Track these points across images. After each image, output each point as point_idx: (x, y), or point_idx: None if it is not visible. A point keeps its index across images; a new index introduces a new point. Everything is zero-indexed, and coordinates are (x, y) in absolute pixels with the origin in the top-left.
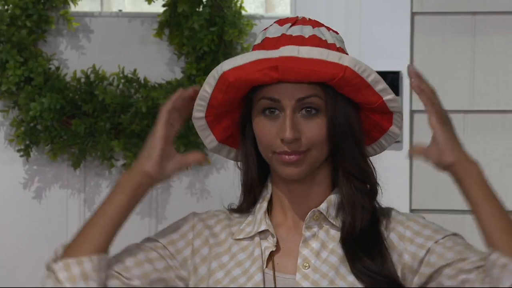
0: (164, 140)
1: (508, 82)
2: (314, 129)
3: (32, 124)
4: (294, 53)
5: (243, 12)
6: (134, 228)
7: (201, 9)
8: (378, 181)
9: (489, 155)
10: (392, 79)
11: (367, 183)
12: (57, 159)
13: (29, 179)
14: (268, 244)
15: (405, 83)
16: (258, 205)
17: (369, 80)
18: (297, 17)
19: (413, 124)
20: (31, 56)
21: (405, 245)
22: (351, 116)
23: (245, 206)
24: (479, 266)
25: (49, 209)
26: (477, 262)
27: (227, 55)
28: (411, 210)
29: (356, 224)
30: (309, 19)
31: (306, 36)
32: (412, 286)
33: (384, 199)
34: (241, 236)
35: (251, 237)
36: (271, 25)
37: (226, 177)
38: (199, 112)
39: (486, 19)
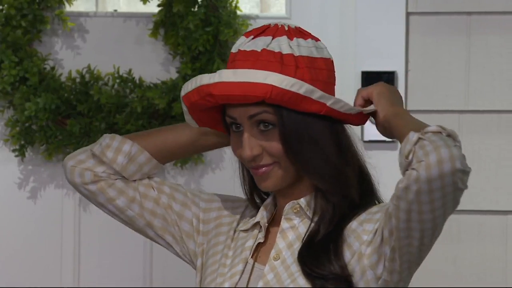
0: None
1: (503, 82)
2: (272, 143)
3: (27, 124)
4: (228, 78)
5: (238, 12)
6: (128, 229)
7: (196, 9)
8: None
9: (484, 155)
10: (387, 79)
11: (335, 190)
12: (52, 159)
13: (24, 179)
14: (260, 236)
15: (401, 83)
16: (268, 200)
17: (301, 92)
18: (277, 24)
19: None
20: (26, 56)
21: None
22: (305, 125)
23: (256, 204)
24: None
25: (44, 209)
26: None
27: (222, 55)
28: None
29: (319, 233)
30: (288, 26)
31: (259, 50)
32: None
33: (382, 190)
34: (244, 228)
35: (251, 228)
36: (244, 35)
37: (221, 177)
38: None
39: (481, 19)
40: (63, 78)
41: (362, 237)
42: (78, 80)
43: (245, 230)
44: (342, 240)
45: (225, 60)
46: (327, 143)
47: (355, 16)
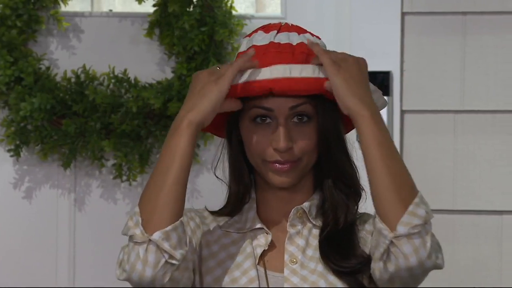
0: (224, 97)
1: (498, 82)
2: (306, 137)
3: (22, 124)
4: (286, 74)
5: (234, 12)
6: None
7: (191, 9)
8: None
9: (479, 155)
10: (382, 79)
11: (351, 186)
12: (47, 159)
13: (19, 179)
14: (260, 243)
15: (396, 83)
16: (246, 206)
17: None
18: (280, 23)
19: (404, 124)
20: (21, 56)
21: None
22: (338, 121)
23: (229, 211)
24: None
25: (39, 209)
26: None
27: (218, 55)
28: None
29: (339, 223)
30: (291, 24)
31: (294, 44)
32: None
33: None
34: (231, 230)
35: (243, 233)
36: (255, 32)
37: (215, 177)
38: None
39: (477, 19)
40: (58, 78)
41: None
42: (73, 80)
43: (233, 233)
44: (356, 233)
45: (221, 60)
46: (344, 136)
47: (350, 16)
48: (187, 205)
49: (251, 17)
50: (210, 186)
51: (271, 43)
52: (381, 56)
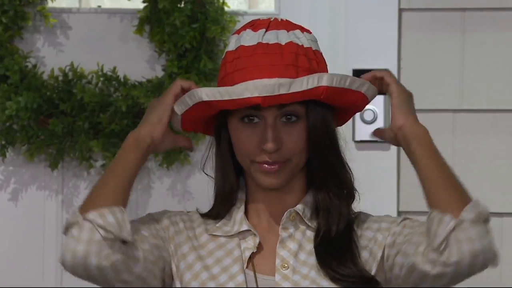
0: (171, 111)
1: (499, 81)
2: (294, 137)
3: (8, 124)
4: (274, 92)
5: (226, 8)
6: None
7: (182, 5)
8: (357, 186)
9: (479, 156)
10: None
11: (344, 189)
12: (34, 160)
13: (5, 180)
14: (248, 246)
15: None
16: (234, 207)
17: (346, 85)
18: (269, 18)
19: None
20: (7, 54)
21: (383, 235)
22: (329, 121)
23: (216, 213)
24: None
25: (25, 211)
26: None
27: (209, 52)
28: (399, 212)
29: (331, 229)
30: (281, 19)
31: (283, 43)
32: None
33: (372, 200)
34: (218, 233)
35: (230, 236)
36: (244, 30)
37: (208, 178)
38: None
39: (476, 16)
40: (45, 76)
41: (377, 239)
42: (60, 78)
43: (221, 236)
44: (355, 242)
45: (212, 57)
46: (336, 134)
47: (345, 12)
48: (178, 208)
49: (243, 14)
50: (202, 187)
51: (259, 44)
52: (378, 54)
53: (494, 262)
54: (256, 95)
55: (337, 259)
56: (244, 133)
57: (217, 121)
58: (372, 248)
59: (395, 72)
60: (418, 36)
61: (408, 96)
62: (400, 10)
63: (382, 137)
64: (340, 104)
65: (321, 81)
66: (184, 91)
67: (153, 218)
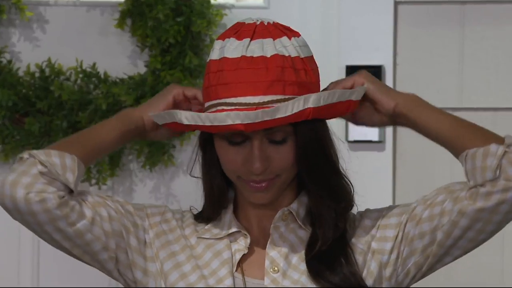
0: (173, 100)
1: (499, 78)
2: (282, 156)
3: None
4: (257, 119)
5: (212, 1)
6: None
7: None
8: (356, 194)
9: None
10: (374, 74)
11: (341, 201)
12: (9, 161)
13: None
14: (239, 247)
15: (388, 78)
16: (224, 209)
17: (335, 100)
18: (255, 22)
19: None
20: None
21: (373, 234)
22: (321, 133)
23: (207, 216)
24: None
25: (1, 212)
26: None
27: (195, 48)
28: None
29: (326, 243)
30: (267, 22)
31: (268, 56)
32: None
33: (367, 199)
34: (207, 236)
35: (219, 239)
36: (228, 37)
37: (193, 180)
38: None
39: (476, 9)
40: (20, 73)
41: (376, 244)
42: (37, 74)
43: (210, 239)
44: (350, 247)
45: (198, 53)
46: (332, 149)
47: (338, 5)
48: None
49: (231, 7)
50: (187, 190)
51: (243, 57)
52: (372, 49)
53: None
54: (238, 122)
55: (330, 269)
56: (230, 153)
57: (202, 134)
58: (368, 245)
59: (390, 69)
60: (415, 30)
61: (379, 82)
62: (396, 3)
63: (372, 124)
64: (330, 116)
65: (307, 103)
66: (186, 98)
67: (142, 208)
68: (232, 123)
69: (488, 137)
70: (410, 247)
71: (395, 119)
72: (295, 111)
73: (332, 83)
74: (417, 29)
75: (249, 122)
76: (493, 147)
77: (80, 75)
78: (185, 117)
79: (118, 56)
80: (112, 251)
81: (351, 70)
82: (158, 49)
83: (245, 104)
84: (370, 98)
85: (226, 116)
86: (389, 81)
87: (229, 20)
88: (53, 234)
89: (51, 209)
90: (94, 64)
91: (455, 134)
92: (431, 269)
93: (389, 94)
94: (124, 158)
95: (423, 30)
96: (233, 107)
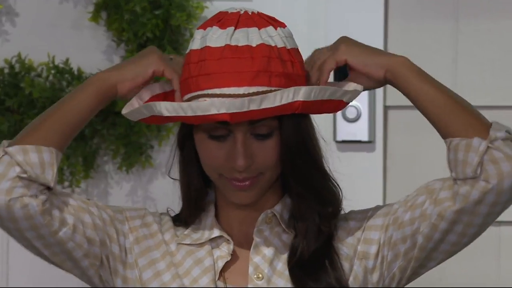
0: (152, 76)
1: (495, 74)
2: (266, 152)
3: None
4: (243, 108)
5: None
6: None
7: None
8: (344, 197)
9: None
10: None
11: (326, 205)
12: None
13: None
14: (222, 253)
15: None
16: (204, 212)
17: (326, 97)
18: (239, 12)
19: (387, 121)
20: None
21: (355, 236)
22: (307, 131)
23: (185, 219)
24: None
25: None
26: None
27: (174, 43)
28: None
29: (309, 249)
30: (252, 12)
31: (254, 45)
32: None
33: (357, 202)
34: (187, 242)
35: (200, 244)
36: (210, 26)
37: (172, 183)
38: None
39: (470, 2)
40: None
41: (361, 247)
42: (6, 70)
43: (190, 245)
44: (335, 252)
45: (177, 48)
46: (317, 148)
47: None
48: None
49: None
50: (166, 192)
51: (227, 46)
52: None
53: None
54: (224, 111)
55: (314, 276)
56: (211, 148)
57: (180, 129)
58: (355, 249)
59: None
60: (406, 24)
61: (362, 52)
62: None
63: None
64: (318, 112)
65: (297, 95)
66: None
67: (121, 210)
68: (216, 112)
69: (474, 126)
70: (393, 251)
71: (386, 83)
72: (283, 102)
73: (316, 50)
74: (409, 23)
75: (235, 111)
76: (475, 141)
77: (52, 71)
78: (165, 108)
79: (92, 51)
80: (94, 259)
81: (339, 68)
82: (135, 44)
83: (229, 95)
84: (357, 70)
85: (210, 105)
86: None
87: (210, 13)
88: (33, 241)
89: (33, 216)
90: (67, 59)
91: (441, 116)
92: (416, 273)
93: (377, 62)
94: (99, 159)
95: (415, 25)
96: (216, 99)
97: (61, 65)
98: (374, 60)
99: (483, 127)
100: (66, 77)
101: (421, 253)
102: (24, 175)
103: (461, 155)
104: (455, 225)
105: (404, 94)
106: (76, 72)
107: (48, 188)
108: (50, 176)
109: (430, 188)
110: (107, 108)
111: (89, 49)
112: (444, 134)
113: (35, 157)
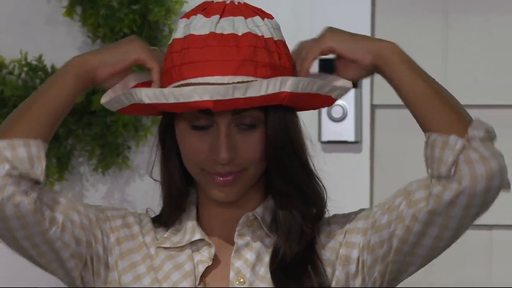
0: (135, 61)
1: (486, 72)
2: (250, 145)
3: None
4: (227, 96)
5: None
6: None
7: None
8: (329, 196)
9: None
10: None
11: (313, 208)
12: None
13: None
14: (203, 258)
15: None
16: (184, 214)
17: (314, 90)
18: (225, 1)
19: (375, 121)
20: None
21: (337, 239)
22: (292, 125)
23: (165, 221)
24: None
25: None
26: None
27: (152, 39)
28: None
29: (292, 252)
30: (238, 2)
31: (239, 34)
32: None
33: (344, 202)
34: (167, 245)
35: (181, 248)
36: (194, 14)
37: (151, 185)
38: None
39: None
40: None
41: (343, 250)
42: None
43: (170, 248)
44: (318, 257)
45: (155, 44)
46: (302, 144)
47: None
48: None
49: None
50: (143, 195)
51: (212, 34)
52: None
53: (509, 185)
54: (207, 98)
55: (296, 281)
56: (193, 139)
57: (161, 122)
58: (336, 253)
59: None
60: (394, 20)
61: (348, 39)
62: None
63: (350, 79)
64: (304, 108)
65: (284, 86)
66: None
67: (102, 210)
68: (199, 99)
69: (454, 122)
70: (372, 255)
71: (374, 71)
72: (269, 92)
73: (302, 42)
74: (396, 18)
75: (219, 98)
76: (452, 139)
77: (25, 69)
78: (146, 95)
79: (67, 48)
80: (79, 259)
81: (324, 63)
82: (111, 40)
83: (213, 84)
84: (344, 56)
85: (193, 91)
86: (366, 79)
87: (190, 8)
88: (22, 241)
89: (25, 215)
90: (40, 56)
91: (422, 109)
92: (395, 278)
93: (364, 47)
94: (73, 160)
95: (403, 20)
96: (199, 86)
97: (34, 62)
98: (361, 45)
99: (462, 124)
100: (39, 74)
101: (397, 257)
102: (15, 172)
103: (437, 152)
104: (429, 227)
105: (388, 81)
106: (49, 70)
107: (37, 183)
108: (39, 171)
109: (407, 189)
110: (82, 107)
111: (63, 46)
112: (424, 128)
113: (23, 151)
